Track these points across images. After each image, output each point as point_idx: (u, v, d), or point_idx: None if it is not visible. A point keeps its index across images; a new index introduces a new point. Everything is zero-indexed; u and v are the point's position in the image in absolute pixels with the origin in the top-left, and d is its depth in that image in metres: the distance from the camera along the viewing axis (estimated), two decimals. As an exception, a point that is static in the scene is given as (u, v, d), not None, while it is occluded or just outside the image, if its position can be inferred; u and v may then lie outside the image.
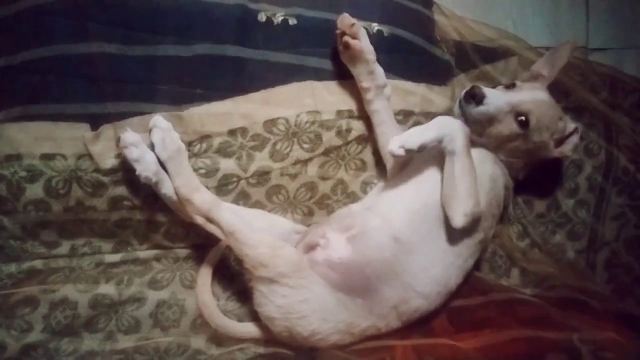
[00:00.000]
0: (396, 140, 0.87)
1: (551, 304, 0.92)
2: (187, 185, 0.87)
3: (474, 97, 0.91)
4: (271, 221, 0.99)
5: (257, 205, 1.00)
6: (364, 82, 0.97)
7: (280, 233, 0.97)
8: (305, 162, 1.01)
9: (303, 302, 0.84)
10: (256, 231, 0.87)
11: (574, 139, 1.02)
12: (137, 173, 0.86)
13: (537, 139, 0.96)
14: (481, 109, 0.91)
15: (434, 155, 0.93)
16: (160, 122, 0.88)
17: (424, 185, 0.92)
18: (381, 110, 0.98)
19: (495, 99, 0.91)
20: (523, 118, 0.93)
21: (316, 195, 1.04)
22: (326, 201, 1.05)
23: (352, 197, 1.07)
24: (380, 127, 1.00)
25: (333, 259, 0.88)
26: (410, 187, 0.94)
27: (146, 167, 0.86)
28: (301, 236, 0.98)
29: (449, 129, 0.87)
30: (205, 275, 0.97)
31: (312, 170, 1.02)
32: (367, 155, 1.05)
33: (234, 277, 1.00)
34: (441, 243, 0.90)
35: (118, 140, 0.86)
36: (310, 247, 0.91)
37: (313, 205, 1.05)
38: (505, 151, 0.98)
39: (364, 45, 0.94)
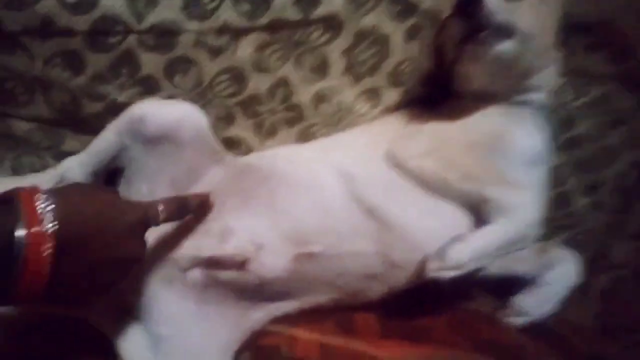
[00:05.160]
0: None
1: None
2: None
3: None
4: None
5: (151, 80, 0.65)
6: None
7: None
8: (237, 33, 0.66)
9: None
10: None
11: None
12: None
13: None
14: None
15: None
16: None
17: None
18: None
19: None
20: None
21: (243, 92, 0.70)
22: (256, 107, 0.72)
23: (296, 112, 0.73)
24: None
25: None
26: None
27: None
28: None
29: None
30: None
31: (245, 50, 0.68)
32: (334, 53, 0.71)
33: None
34: None
35: None
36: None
37: (236, 107, 0.71)
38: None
39: None
